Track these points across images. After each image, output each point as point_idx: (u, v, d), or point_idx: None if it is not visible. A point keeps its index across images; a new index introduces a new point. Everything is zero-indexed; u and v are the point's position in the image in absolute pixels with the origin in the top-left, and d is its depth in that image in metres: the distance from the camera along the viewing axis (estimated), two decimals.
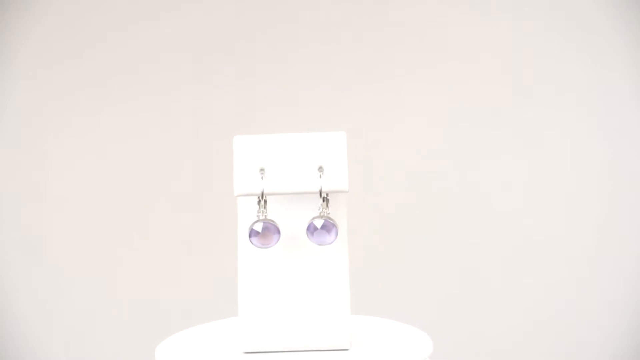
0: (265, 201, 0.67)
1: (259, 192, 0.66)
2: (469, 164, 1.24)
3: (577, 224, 1.23)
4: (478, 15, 1.23)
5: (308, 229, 0.66)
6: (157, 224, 1.27)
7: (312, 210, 0.68)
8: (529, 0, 1.23)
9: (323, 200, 0.67)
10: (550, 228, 1.23)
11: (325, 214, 0.67)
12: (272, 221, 0.66)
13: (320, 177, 0.66)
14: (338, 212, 0.68)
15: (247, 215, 0.68)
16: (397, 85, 1.25)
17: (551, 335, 1.23)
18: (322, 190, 0.66)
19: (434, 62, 1.24)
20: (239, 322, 0.68)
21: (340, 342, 0.67)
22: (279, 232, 0.66)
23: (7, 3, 1.24)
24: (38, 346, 1.26)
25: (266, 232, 0.66)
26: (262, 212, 0.66)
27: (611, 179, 1.22)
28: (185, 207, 1.27)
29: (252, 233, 0.66)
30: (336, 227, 0.66)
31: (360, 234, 1.25)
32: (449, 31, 1.24)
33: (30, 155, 1.26)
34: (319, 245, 0.67)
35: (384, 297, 1.25)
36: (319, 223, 0.66)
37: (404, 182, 1.25)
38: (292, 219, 0.68)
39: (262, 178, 0.66)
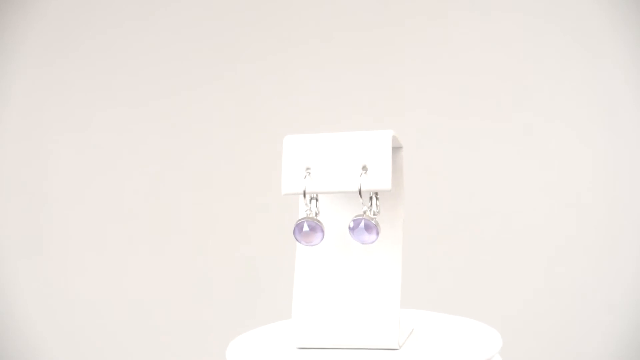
0: (312, 199, 0.67)
1: (302, 191, 0.66)
2: (468, 165, 1.24)
3: (577, 224, 1.23)
4: (478, 15, 1.23)
5: (349, 227, 0.67)
6: (157, 224, 1.27)
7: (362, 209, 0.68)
8: (529, 0, 1.23)
9: (370, 199, 0.67)
10: (550, 228, 1.23)
11: (368, 213, 0.67)
12: (317, 220, 0.67)
13: (361, 175, 0.66)
14: (388, 211, 0.68)
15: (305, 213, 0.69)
16: (400, 85, 1.25)
17: (551, 336, 1.23)
18: (362, 189, 0.65)
19: (432, 61, 1.24)
20: (292, 320, 0.69)
21: (388, 342, 0.67)
22: (322, 231, 0.67)
23: (7, 3, 1.24)
24: (38, 346, 1.26)
25: (309, 230, 0.66)
26: (311, 210, 0.67)
27: (611, 179, 1.22)
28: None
29: (297, 230, 0.67)
30: (377, 226, 0.66)
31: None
32: (448, 30, 1.24)
33: (31, 154, 1.26)
34: (362, 244, 0.67)
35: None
36: (358, 222, 0.66)
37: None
38: (343, 217, 0.69)
39: (305, 177, 0.66)
